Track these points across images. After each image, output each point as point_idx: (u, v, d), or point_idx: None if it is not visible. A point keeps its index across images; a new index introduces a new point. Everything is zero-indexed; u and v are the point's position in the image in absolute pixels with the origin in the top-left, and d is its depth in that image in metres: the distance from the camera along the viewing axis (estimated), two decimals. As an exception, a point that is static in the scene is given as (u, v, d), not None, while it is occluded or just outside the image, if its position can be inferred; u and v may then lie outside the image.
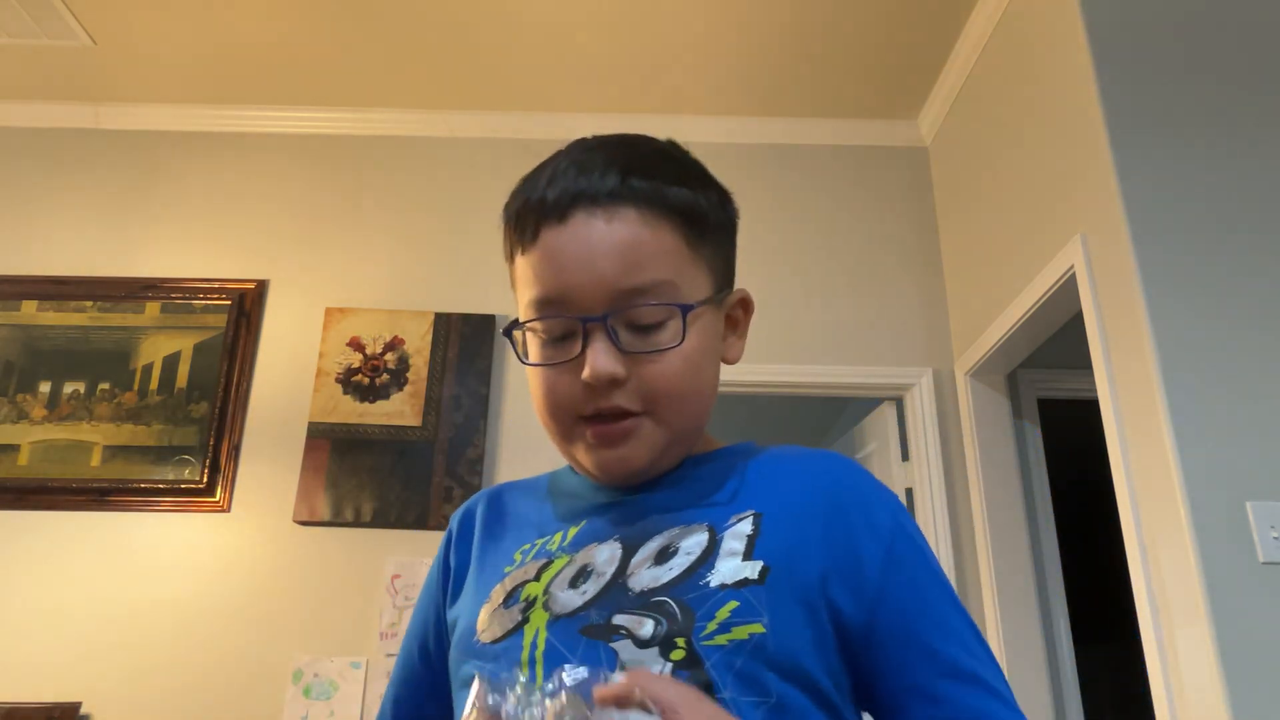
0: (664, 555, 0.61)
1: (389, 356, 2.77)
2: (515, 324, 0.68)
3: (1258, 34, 2.06)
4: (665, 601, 0.58)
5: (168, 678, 2.45)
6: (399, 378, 2.74)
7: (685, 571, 0.60)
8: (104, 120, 3.10)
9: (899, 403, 2.84)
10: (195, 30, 2.75)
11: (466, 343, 2.79)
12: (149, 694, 2.43)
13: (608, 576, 0.62)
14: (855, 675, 0.61)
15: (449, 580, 0.75)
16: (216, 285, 2.87)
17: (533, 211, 0.67)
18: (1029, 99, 2.36)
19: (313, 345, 2.80)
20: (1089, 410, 2.16)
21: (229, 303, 2.84)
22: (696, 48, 2.79)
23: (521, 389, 2.78)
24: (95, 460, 2.66)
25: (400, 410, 2.70)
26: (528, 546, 0.69)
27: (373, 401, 2.71)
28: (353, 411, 2.70)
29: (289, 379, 2.78)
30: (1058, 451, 2.87)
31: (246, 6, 2.64)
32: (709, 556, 0.60)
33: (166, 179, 3.04)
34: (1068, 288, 2.11)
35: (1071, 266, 2.06)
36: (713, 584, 0.58)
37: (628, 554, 0.63)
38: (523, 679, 0.48)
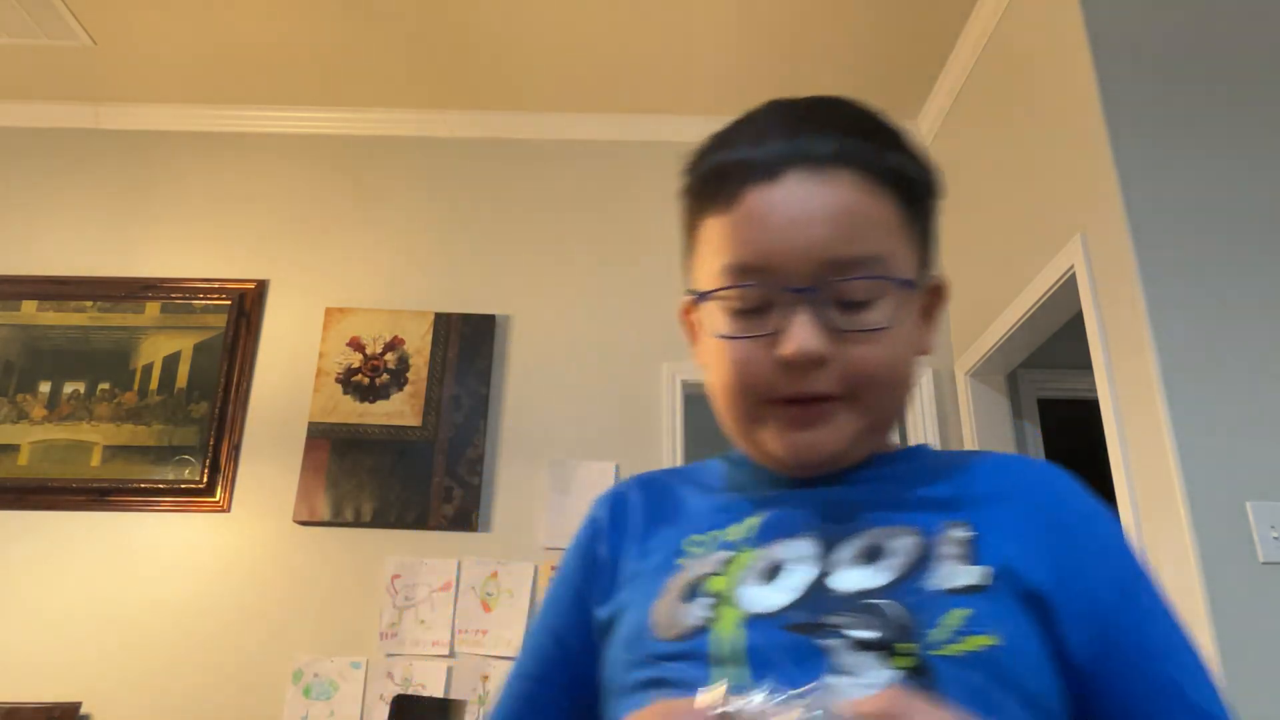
0: (871, 555, 0.55)
1: (389, 356, 2.77)
2: (702, 294, 0.61)
3: (1258, 34, 2.06)
4: (881, 605, 0.52)
5: (168, 678, 2.45)
6: (399, 378, 2.74)
7: (901, 575, 0.54)
8: (104, 120, 3.10)
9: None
10: (195, 30, 2.75)
11: (466, 343, 2.79)
12: (149, 694, 2.43)
13: (807, 575, 0.56)
14: (1077, 704, 0.55)
15: (598, 573, 0.68)
16: (216, 285, 2.87)
17: (736, 170, 0.60)
18: (1029, 99, 2.36)
19: (313, 345, 2.80)
20: (1089, 410, 2.16)
21: (229, 303, 2.84)
22: (696, 48, 2.79)
23: (521, 388, 2.78)
24: (95, 460, 2.66)
25: (400, 410, 2.70)
26: (701, 538, 0.62)
27: (373, 401, 2.71)
28: (353, 411, 2.70)
29: (289, 379, 2.78)
30: (1058, 451, 2.87)
31: (246, 6, 2.64)
32: (924, 560, 0.54)
33: (166, 179, 3.04)
34: (1068, 287, 2.11)
35: (1071, 266, 2.06)
36: (934, 589, 0.53)
37: (826, 551, 0.57)
38: (765, 686, 0.42)
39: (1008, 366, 2.66)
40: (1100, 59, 2.02)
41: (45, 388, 2.75)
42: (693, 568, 0.60)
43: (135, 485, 2.64)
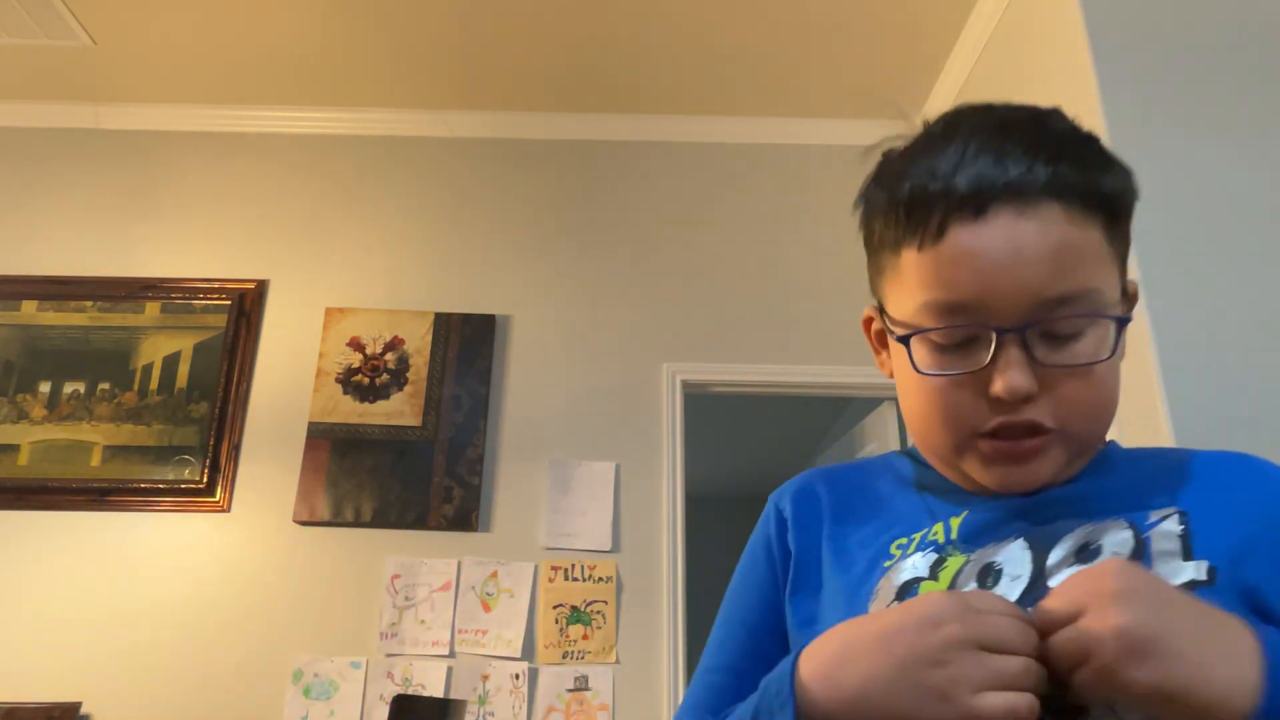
0: (1086, 554, 0.55)
1: (389, 356, 2.77)
2: (906, 335, 0.61)
3: (1258, 34, 2.06)
4: None
5: (168, 678, 2.45)
6: (399, 378, 2.74)
7: None
8: (104, 120, 3.10)
9: (899, 403, 2.83)
10: (195, 30, 2.75)
11: (466, 343, 2.79)
12: (149, 694, 2.43)
13: (1025, 577, 0.56)
14: None
15: (788, 567, 0.68)
16: (216, 285, 2.87)
17: (937, 202, 0.58)
18: (1029, 99, 2.35)
19: (313, 345, 2.80)
20: (1089, 410, 2.15)
21: (229, 303, 2.84)
22: (695, 48, 2.79)
23: (521, 388, 2.78)
24: (95, 460, 2.66)
25: (400, 410, 2.70)
26: (904, 540, 0.63)
27: (373, 401, 2.71)
28: (353, 411, 2.70)
29: (289, 379, 2.78)
30: (1058, 451, 2.87)
31: (246, 6, 2.64)
32: (1141, 556, 0.54)
33: (166, 179, 3.04)
34: (1068, 288, 2.11)
35: (1071, 266, 2.05)
36: None
37: (1039, 552, 0.57)
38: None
39: (1008, 366, 2.66)
40: (1100, 59, 2.02)
41: (45, 388, 2.75)
42: (903, 569, 0.60)
43: (135, 485, 2.64)
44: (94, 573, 2.55)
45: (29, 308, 2.84)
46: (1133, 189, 0.63)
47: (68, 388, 2.74)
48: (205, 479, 2.64)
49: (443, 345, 2.79)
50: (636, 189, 3.06)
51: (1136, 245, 1.93)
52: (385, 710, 2.39)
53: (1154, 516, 0.56)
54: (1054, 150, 0.59)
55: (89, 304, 2.84)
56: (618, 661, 2.48)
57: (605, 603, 2.53)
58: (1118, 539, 0.55)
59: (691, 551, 2.74)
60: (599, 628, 2.50)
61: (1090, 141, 0.63)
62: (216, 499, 2.63)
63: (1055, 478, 0.60)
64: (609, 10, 2.64)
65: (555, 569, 2.55)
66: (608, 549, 2.59)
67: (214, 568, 2.57)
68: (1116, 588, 0.46)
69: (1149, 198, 2.09)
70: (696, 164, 3.09)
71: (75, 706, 2.39)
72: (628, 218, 3.02)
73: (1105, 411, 0.60)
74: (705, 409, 3.80)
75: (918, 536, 0.62)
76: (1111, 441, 0.68)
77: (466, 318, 2.83)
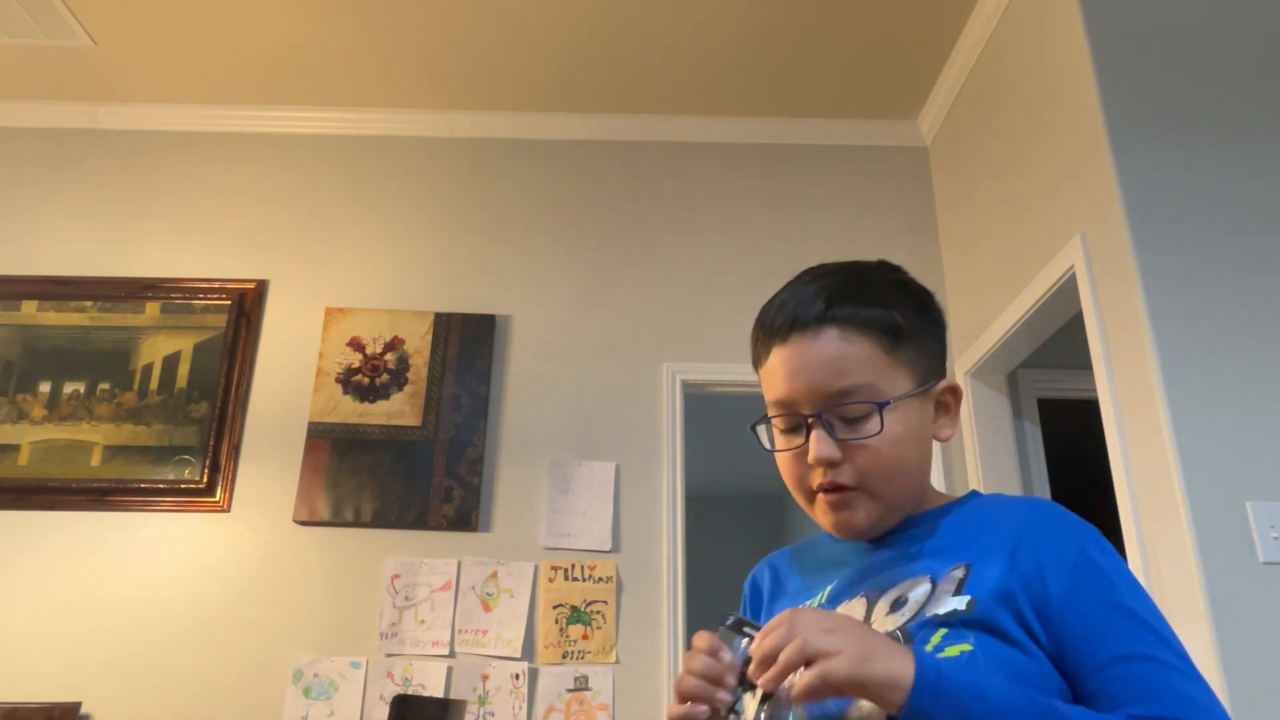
0: (897, 605, 0.77)
1: (389, 356, 2.77)
2: (763, 419, 0.87)
3: (1257, 34, 2.06)
4: (895, 633, 0.73)
5: (168, 677, 2.45)
6: (399, 378, 2.74)
7: (913, 615, 0.75)
8: (104, 120, 3.10)
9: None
10: (195, 30, 2.75)
11: (466, 343, 2.79)
12: (149, 694, 2.43)
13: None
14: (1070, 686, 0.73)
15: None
16: (216, 285, 2.87)
17: (764, 334, 0.85)
18: (1029, 99, 2.36)
19: (313, 345, 2.80)
20: (1089, 410, 2.16)
21: (229, 303, 2.84)
22: (696, 48, 2.79)
23: (521, 388, 2.79)
24: (95, 460, 2.66)
25: (400, 410, 2.70)
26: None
27: (373, 401, 2.71)
28: (353, 411, 2.70)
29: (289, 379, 2.78)
30: (1058, 451, 2.87)
31: (246, 7, 2.64)
32: (930, 599, 0.75)
33: (166, 179, 3.04)
34: (1068, 288, 2.11)
35: (1071, 266, 2.06)
36: (927, 617, 0.74)
37: (870, 606, 0.79)
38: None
39: (1008, 366, 2.66)
40: (1100, 59, 2.02)
41: (45, 388, 2.75)
42: None
43: (135, 485, 2.64)
44: (94, 573, 2.55)
45: (29, 308, 2.84)
46: (916, 317, 0.84)
47: (68, 388, 2.74)
48: (205, 479, 2.64)
49: (443, 345, 2.79)
50: (637, 189, 3.06)
51: (1136, 244, 1.93)
52: (385, 710, 2.39)
53: (949, 570, 0.77)
54: (832, 293, 0.82)
55: (89, 304, 2.84)
56: (618, 661, 2.48)
57: (605, 603, 2.53)
58: (920, 591, 0.77)
59: (691, 551, 2.74)
60: (599, 628, 2.50)
61: (873, 283, 0.84)
62: (216, 499, 2.63)
63: (875, 524, 0.82)
64: (609, 10, 2.65)
65: (555, 569, 2.56)
66: (608, 549, 2.59)
67: (214, 568, 2.57)
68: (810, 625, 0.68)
69: (1149, 197, 2.09)
70: (696, 164, 3.09)
71: (75, 706, 2.39)
72: (628, 218, 3.02)
73: (896, 472, 0.80)
74: (705, 409, 3.80)
75: (809, 603, 0.87)
76: (971, 493, 0.87)
77: (466, 318, 2.83)
